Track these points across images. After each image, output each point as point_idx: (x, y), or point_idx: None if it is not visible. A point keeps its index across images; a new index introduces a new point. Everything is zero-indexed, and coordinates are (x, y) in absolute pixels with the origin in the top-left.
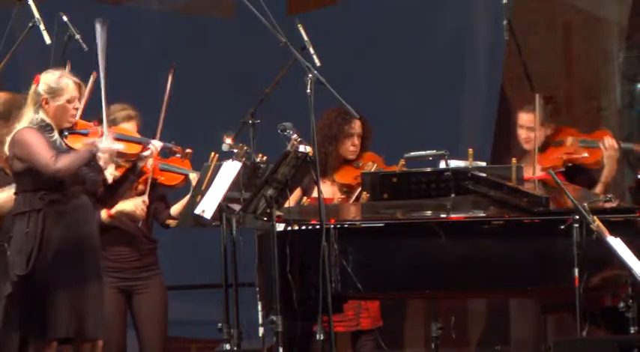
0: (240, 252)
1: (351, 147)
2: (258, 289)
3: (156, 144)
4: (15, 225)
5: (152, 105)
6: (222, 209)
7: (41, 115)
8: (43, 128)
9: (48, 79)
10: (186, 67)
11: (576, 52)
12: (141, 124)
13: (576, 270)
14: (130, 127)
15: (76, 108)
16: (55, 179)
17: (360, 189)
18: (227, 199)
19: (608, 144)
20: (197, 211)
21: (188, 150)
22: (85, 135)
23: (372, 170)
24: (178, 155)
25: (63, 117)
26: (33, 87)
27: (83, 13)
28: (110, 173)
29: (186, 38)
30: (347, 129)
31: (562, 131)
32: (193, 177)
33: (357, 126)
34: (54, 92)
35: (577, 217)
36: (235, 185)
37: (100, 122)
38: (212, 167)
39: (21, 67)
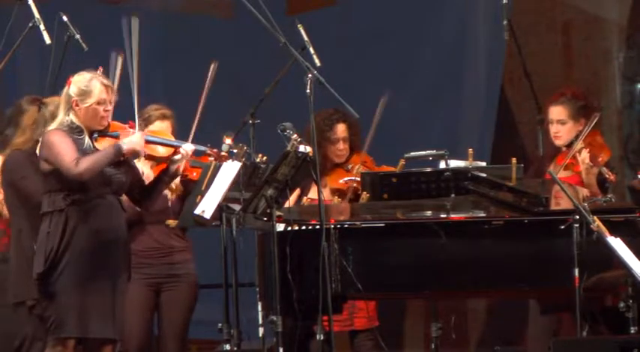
0: (240, 252)
1: (337, 151)
2: (258, 289)
3: (187, 148)
4: (41, 224)
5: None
6: (222, 209)
7: (71, 117)
8: (73, 130)
9: (78, 81)
10: (186, 67)
11: (576, 52)
12: (176, 126)
13: (576, 270)
14: (164, 127)
15: (107, 111)
16: (80, 181)
17: (350, 192)
18: (227, 199)
19: (581, 158)
20: (197, 211)
21: (223, 154)
22: (116, 137)
23: (359, 170)
24: (212, 158)
25: (94, 119)
26: (65, 89)
27: (83, 13)
28: (145, 174)
29: (186, 38)
30: (330, 136)
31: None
32: None
33: (340, 130)
34: (84, 94)
35: (577, 217)
36: (235, 185)
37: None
38: (212, 167)
39: (21, 67)
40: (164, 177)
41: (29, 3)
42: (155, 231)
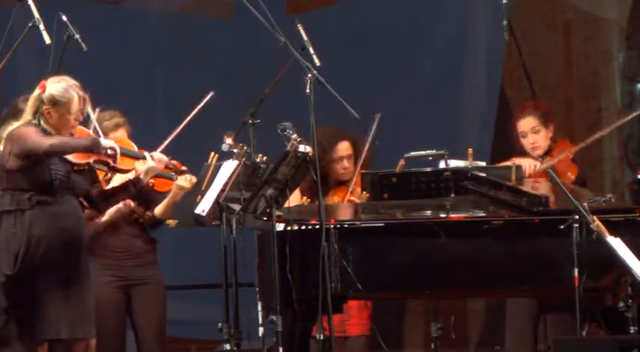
0: (240, 252)
1: (341, 170)
2: (258, 289)
3: (155, 158)
4: (2, 223)
5: (151, 106)
6: (222, 209)
7: (41, 123)
8: (42, 132)
9: (54, 89)
10: (185, 67)
11: (576, 52)
12: (130, 130)
13: (576, 270)
14: (119, 135)
15: (77, 120)
16: (48, 154)
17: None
18: (227, 199)
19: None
20: (197, 211)
21: (184, 168)
22: None
23: (362, 197)
24: (172, 173)
25: (64, 128)
26: (37, 92)
27: (83, 13)
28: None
29: (186, 38)
30: (333, 155)
31: (560, 144)
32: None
33: (344, 148)
34: (58, 104)
35: (577, 217)
36: (235, 185)
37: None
38: (212, 167)
39: (20, 67)
40: (132, 187)
41: (29, 3)
42: (122, 232)
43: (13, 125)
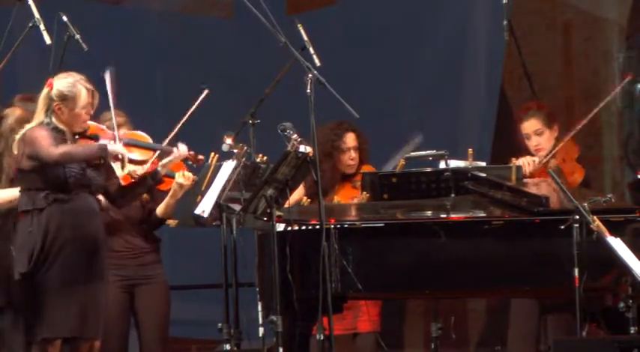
0: (240, 252)
1: (349, 161)
2: (258, 289)
3: (181, 150)
4: (19, 223)
5: (151, 106)
6: (222, 209)
7: (53, 120)
8: (55, 131)
9: (62, 85)
10: (185, 67)
11: (576, 52)
12: (131, 129)
13: (576, 270)
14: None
15: (88, 114)
16: (57, 164)
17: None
18: (227, 199)
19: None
20: (197, 211)
21: (200, 157)
22: (96, 139)
23: (362, 197)
24: (190, 161)
25: (75, 123)
26: (45, 90)
27: (83, 13)
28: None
29: (186, 38)
30: (341, 145)
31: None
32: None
33: (350, 139)
34: (67, 99)
35: (577, 217)
36: (235, 185)
37: (109, 128)
38: (212, 167)
39: (20, 67)
40: (150, 180)
41: (29, 3)
42: (124, 232)
43: (25, 127)
